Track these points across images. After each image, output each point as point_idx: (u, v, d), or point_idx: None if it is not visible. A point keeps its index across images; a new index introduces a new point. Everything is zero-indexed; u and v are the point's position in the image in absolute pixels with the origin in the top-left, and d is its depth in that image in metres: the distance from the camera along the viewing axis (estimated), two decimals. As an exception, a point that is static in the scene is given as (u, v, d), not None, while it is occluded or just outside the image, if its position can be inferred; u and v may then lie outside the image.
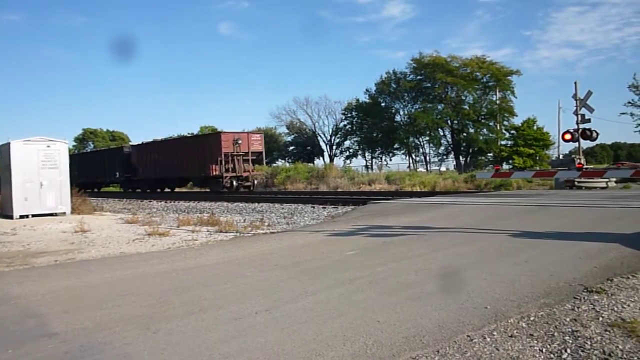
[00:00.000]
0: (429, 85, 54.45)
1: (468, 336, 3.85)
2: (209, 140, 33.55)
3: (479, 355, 3.51)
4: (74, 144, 79.88)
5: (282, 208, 18.47)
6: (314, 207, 18.24)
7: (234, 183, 31.32)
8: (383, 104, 59.35)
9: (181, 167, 34.08)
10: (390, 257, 7.11)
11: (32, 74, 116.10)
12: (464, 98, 53.64)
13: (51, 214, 15.65)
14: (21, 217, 15.17)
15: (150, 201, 27.58)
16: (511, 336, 3.82)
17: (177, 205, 23.76)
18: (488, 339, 3.77)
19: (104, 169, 42.14)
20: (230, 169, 31.24)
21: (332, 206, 17.54)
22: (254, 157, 32.85)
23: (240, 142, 31.19)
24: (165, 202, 25.99)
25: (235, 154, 31.25)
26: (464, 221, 10.85)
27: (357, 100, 61.80)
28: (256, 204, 21.04)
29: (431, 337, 3.86)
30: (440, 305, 4.63)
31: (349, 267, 6.52)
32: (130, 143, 43.20)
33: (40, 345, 4.00)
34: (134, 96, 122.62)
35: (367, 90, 60.59)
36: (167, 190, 38.95)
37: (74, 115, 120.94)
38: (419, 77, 55.38)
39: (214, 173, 31.34)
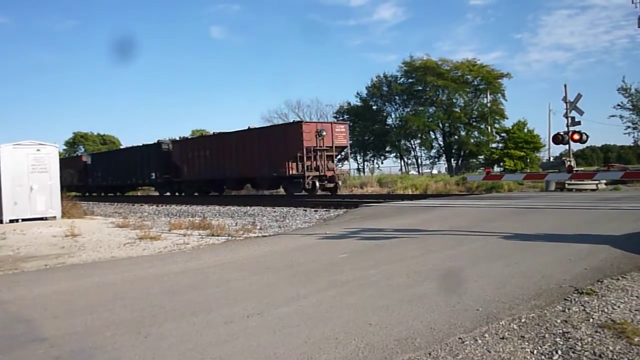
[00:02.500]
0: (420, 88, 54.64)
1: (460, 338, 3.85)
2: (285, 131, 27.10)
3: (470, 357, 3.52)
4: (65, 147, 79.43)
5: (274, 211, 18.44)
6: (305, 210, 18.21)
7: (317, 184, 25.82)
8: (374, 107, 59.44)
9: (243, 166, 28.18)
10: (382, 260, 7.12)
11: (21, 78, 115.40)
12: (455, 101, 53.84)
13: (41, 218, 15.56)
14: (11, 221, 15.05)
15: (142, 205, 27.43)
16: (502, 338, 3.84)
17: (169, 209, 23.67)
18: (480, 341, 3.78)
19: (136, 169, 36.41)
20: (312, 167, 25.54)
21: (324, 209, 17.51)
22: (336, 153, 27.55)
23: (324, 133, 25.61)
24: (157, 206, 25.87)
25: (318, 148, 25.66)
26: (455, 223, 10.88)
27: (349, 103, 61.86)
28: (248, 207, 21.00)
29: (423, 339, 3.87)
30: (432, 308, 4.64)
31: (341, 270, 6.52)
32: (167, 138, 36.62)
33: (30, 351, 3.97)
34: (125, 100, 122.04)
35: (358, 93, 60.68)
36: (213, 193, 33.01)
37: (65, 119, 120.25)
38: (410, 80, 55.58)
39: (291, 172, 25.66)
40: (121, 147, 42.83)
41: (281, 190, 29.69)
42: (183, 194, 33.55)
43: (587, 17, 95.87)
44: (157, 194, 38.82)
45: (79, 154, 46.98)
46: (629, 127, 43.13)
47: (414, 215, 13.28)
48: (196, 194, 32.52)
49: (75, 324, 4.62)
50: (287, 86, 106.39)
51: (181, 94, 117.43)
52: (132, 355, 3.79)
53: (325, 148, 25.98)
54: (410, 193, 26.40)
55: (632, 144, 53.92)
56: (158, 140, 36.34)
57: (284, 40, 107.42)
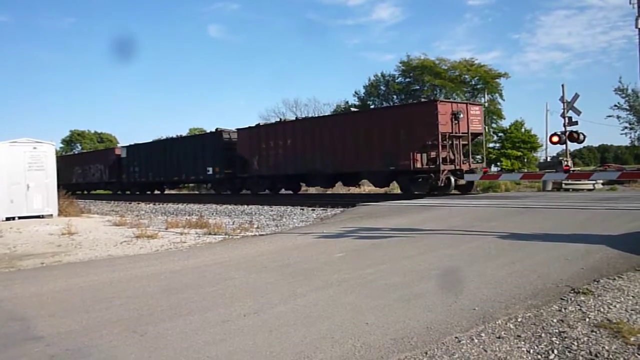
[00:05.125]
0: (417, 87, 54.62)
1: (456, 338, 3.86)
2: (411, 113, 21.49)
3: (467, 356, 3.52)
4: (61, 145, 79.26)
5: (271, 210, 18.43)
6: (303, 209, 18.22)
7: (452, 181, 20.63)
8: (372, 106, 59.49)
9: (342, 157, 22.97)
10: (379, 259, 7.12)
11: (18, 75, 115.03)
12: (452, 100, 53.89)
13: (38, 216, 15.53)
14: (7, 219, 15.02)
15: (139, 203, 27.37)
16: (499, 337, 3.84)
17: (166, 207, 23.64)
18: (476, 341, 3.79)
19: (187, 164, 31.22)
20: (447, 160, 20.50)
21: (321, 208, 17.52)
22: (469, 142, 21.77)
23: (461, 116, 20.47)
24: (154, 205, 25.83)
25: (454, 135, 20.52)
26: (452, 223, 10.89)
27: (346, 102, 61.80)
28: (245, 206, 20.98)
29: (419, 338, 3.87)
30: (428, 307, 4.64)
31: (338, 269, 6.52)
32: (228, 128, 30.70)
33: (25, 349, 3.96)
34: (122, 98, 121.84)
35: (356, 92, 60.64)
36: (285, 191, 28.26)
37: (62, 117, 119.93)
38: (407, 80, 55.59)
39: (417, 165, 20.56)
40: (167, 137, 36.18)
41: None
42: (248, 192, 28.83)
43: (584, 17, 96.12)
44: (203, 191, 35.15)
45: (111, 147, 41.45)
46: (625, 127, 43.25)
47: (411, 214, 13.28)
48: (267, 191, 27.96)
49: (71, 322, 4.61)
50: (285, 85, 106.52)
51: (179, 92, 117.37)
52: (128, 353, 3.78)
53: (461, 135, 20.80)
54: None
55: (629, 144, 54.07)
56: (217, 129, 30.65)
57: (282, 40, 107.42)
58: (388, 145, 21.15)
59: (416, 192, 20.93)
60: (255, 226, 13.19)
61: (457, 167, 20.59)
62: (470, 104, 22.37)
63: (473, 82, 52.87)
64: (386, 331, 4.05)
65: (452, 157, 20.57)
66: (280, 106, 78.91)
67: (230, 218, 16.22)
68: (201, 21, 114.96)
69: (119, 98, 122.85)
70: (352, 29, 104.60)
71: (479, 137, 23.40)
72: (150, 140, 39.50)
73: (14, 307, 5.28)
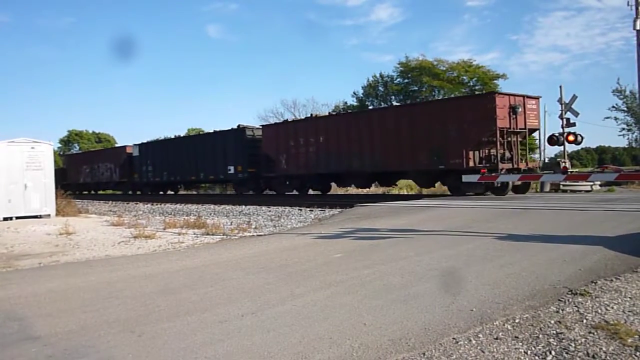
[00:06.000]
0: (415, 88, 54.67)
1: (454, 338, 3.86)
2: (465, 107, 20.01)
3: (464, 357, 3.53)
4: (59, 145, 79.16)
5: (269, 211, 18.42)
6: (301, 209, 18.20)
7: (510, 181, 19.26)
8: (371, 107, 59.52)
9: (383, 155, 21.50)
10: (376, 260, 7.12)
11: (16, 75, 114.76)
12: (451, 101, 53.94)
13: (35, 216, 15.52)
14: (5, 219, 15.00)
15: (137, 203, 27.32)
16: (496, 338, 3.84)
17: (164, 207, 23.61)
18: (473, 342, 3.79)
19: (206, 162, 29.68)
20: (505, 158, 19.13)
21: (319, 209, 17.51)
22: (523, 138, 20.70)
23: (519, 110, 19.08)
24: (152, 205, 25.79)
25: (511, 130, 19.08)
26: (450, 224, 10.89)
27: (345, 103, 61.85)
28: (243, 206, 20.97)
29: (417, 339, 3.87)
30: (426, 308, 4.65)
31: (336, 270, 6.52)
32: (251, 125, 29.15)
33: (23, 349, 3.95)
34: (120, 98, 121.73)
35: (354, 93, 60.69)
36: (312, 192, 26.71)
37: (60, 117, 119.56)
38: (406, 81, 55.64)
39: (470, 164, 18.85)
40: (181, 135, 34.11)
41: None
42: (273, 193, 27.64)
43: (583, 19, 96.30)
44: (220, 192, 33.79)
45: (123, 145, 38.91)
46: (623, 128, 43.29)
47: (409, 215, 13.29)
48: (294, 191, 26.53)
49: (68, 322, 4.60)
50: (284, 85, 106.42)
51: (177, 92, 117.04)
52: (126, 354, 3.78)
53: (518, 130, 19.34)
54: (406, 193, 26.39)
55: (626, 146, 54.15)
56: (240, 125, 29.00)
57: (281, 40, 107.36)
58: (436, 142, 19.65)
59: (468, 193, 19.60)
60: (253, 227, 13.19)
61: (515, 166, 19.18)
62: (527, 97, 20.31)
63: (471, 83, 52.94)
64: (384, 332, 4.05)
65: (510, 154, 19.25)
66: (279, 106, 78.83)
67: (228, 218, 16.21)
68: (200, 21, 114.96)
69: (118, 98, 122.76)
70: (350, 29, 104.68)
71: (535, 133, 21.39)
72: (166, 139, 38.18)
73: (11, 307, 5.27)
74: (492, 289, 5.24)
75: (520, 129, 19.34)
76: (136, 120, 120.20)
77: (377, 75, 58.46)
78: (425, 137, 20.03)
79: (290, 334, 4.07)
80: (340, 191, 29.18)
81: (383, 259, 7.23)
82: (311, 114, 28.63)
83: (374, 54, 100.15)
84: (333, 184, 27.22)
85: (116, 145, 58.45)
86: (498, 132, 18.46)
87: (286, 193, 26.62)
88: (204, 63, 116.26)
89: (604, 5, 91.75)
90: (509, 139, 19.07)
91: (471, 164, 18.80)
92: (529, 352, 3.59)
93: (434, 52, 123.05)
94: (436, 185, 22.77)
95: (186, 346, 3.87)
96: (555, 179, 18.58)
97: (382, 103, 58.10)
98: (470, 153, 18.98)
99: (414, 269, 6.42)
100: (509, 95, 19.53)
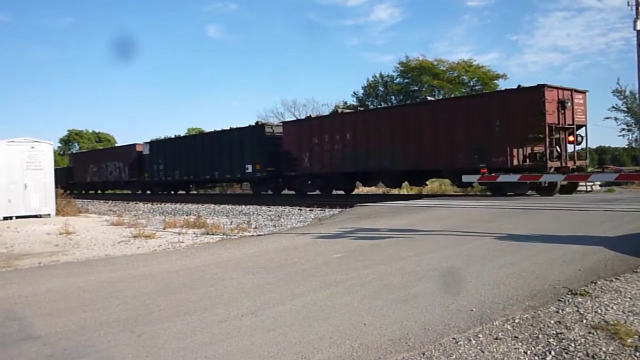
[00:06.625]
0: (416, 88, 54.70)
1: (454, 338, 3.86)
2: (510, 100, 18.64)
3: (464, 357, 3.53)
4: (59, 145, 79.20)
5: (269, 210, 18.42)
6: (301, 209, 18.21)
7: (558, 181, 17.76)
8: (371, 107, 59.54)
9: (417, 153, 20.52)
10: (376, 260, 7.12)
11: (16, 74, 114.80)
12: (451, 101, 53.93)
13: (35, 216, 15.53)
14: (5, 218, 15.02)
15: (137, 203, 27.32)
16: (496, 338, 3.85)
17: (164, 207, 23.61)
18: (473, 342, 3.79)
19: (222, 161, 28.66)
20: (554, 155, 18.05)
21: (319, 209, 17.51)
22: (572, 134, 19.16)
23: (568, 104, 18.01)
24: (152, 204, 25.78)
25: (559, 126, 18.03)
26: (450, 224, 10.90)
27: (345, 102, 61.87)
28: (243, 206, 20.97)
29: (417, 339, 3.87)
30: (426, 308, 4.65)
31: (336, 270, 6.52)
32: (270, 122, 28.34)
33: (23, 349, 3.95)
34: (120, 98, 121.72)
35: (354, 93, 60.77)
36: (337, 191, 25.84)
37: (60, 117, 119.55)
38: (406, 81, 55.66)
39: (514, 162, 17.94)
40: (192, 133, 33.71)
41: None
42: (293, 192, 26.72)
43: (583, 19, 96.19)
44: (238, 191, 32.74)
45: (132, 143, 37.89)
46: (623, 129, 43.15)
47: (409, 215, 13.29)
48: (317, 191, 25.56)
49: (68, 322, 4.60)
50: (284, 85, 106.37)
51: (177, 92, 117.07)
52: (126, 353, 3.78)
53: (567, 127, 18.26)
54: (406, 193, 26.39)
55: (626, 146, 54.06)
56: (258, 122, 28.40)
57: (281, 40, 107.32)
58: (477, 138, 18.63)
59: (509, 194, 18.61)
60: (253, 226, 13.19)
61: (563, 165, 18.11)
62: (575, 91, 19.03)
63: (471, 83, 52.99)
64: (384, 332, 4.05)
65: (558, 152, 18.16)
66: (279, 106, 78.85)
67: (228, 218, 16.21)
68: (200, 21, 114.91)
69: (117, 98, 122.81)
70: (351, 29, 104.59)
71: (581, 130, 19.80)
72: (179, 136, 37.32)
73: (11, 307, 5.27)
74: (492, 289, 5.24)
75: (568, 124, 18.33)
76: (136, 120, 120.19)
77: (377, 75, 58.50)
78: (464, 134, 19.04)
79: (290, 334, 4.07)
80: (365, 191, 27.97)
81: (383, 258, 7.23)
82: (336, 109, 27.85)
83: (374, 54, 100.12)
84: (360, 184, 26.46)
85: (120, 143, 58.19)
86: (547, 128, 17.47)
87: (307, 193, 25.82)
88: (203, 63, 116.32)
89: (604, 6, 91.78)
90: (557, 135, 18.07)
91: (515, 162, 17.89)
92: (528, 352, 3.59)
93: (434, 52, 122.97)
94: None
95: (186, 346, 3.87)
96: (555, 179, 18.28)
97: (382, 103, 58.15)
98: (514, 151, 17.97)
99: (414, 269, 6.42)
100: (558, 88, 18.32)
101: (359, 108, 50.25)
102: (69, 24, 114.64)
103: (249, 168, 27.04)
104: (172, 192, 35.16)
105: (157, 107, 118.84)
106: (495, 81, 52.52)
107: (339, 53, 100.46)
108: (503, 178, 16.24)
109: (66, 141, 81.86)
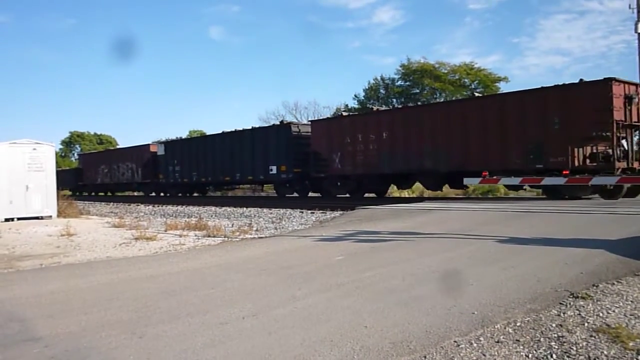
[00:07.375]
0: (417, 91, 54.73)
1: (455, 342, 3.86)
2: (572, 94, 16.81)
3: (465, 360, 3.52)
4: (61, 147, 79.32)
5: (271, 213, 18.41)
6: (302, 212, 18.19)
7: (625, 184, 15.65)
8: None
9: (462, 153, 19.07)
10: (378, 263, 7.12)
11: (18, 76, 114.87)
12: (452, 104, 53.93)
13: (37, 217, 15.54)
14: (6, 220, 15.04)
15: (138, 205, 27.32)
16: (498, 342, 3.84)
17: (165, 209, 23.63)
18: (475, 345, 3.79)
19: (243, 162, 27.23)
20: (621, 155, 16.48)
21: (321, 211, 17.49)
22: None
23: (635, 99, 16.53)
24: (153, 206, 25.79)
25: (627, 124, 16.54)
26: (451, 227, 10.88)
27: (346, 105, 61.89)
28: (244, 208, 20.96)
29: (418, 342, 3.87)
30: (427, 311, 4.64)
31: (337, 272, 6.52)
32: (296, 121, 26.52)
33: (24, 350, 3.96)
34: (122, 99, 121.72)
35: (355, 95, 60.80)
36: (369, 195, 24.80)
37: (61, 119, 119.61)
38: (407, 83, 55.70)
39: (575, 162, 16.51)
40: (214, 132, 31.47)
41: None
42: (321, 195, 25.48)
43: (584, 22, 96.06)
44: (263, 193, 31.59)
45: (146, 144, 36.69)
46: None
47: (410, 218, 13.28)
48: (347, 194, 24.48)
49: (70, 323, 4.60)
50: (285, 87, 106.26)
51: (179, 94, 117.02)
52: (127, 355, 3.78)
53: (633, 124, 16.65)
54: (407, 196, 26.38)
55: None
56: (283, 121, 27.33)
57: (283, 42, 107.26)
58: (532, 137, 17.14)
59: (567, 196, 17.10)
60: (254, 229, 13.20)
61: (629, 166, 16.45)
62: None
63: (473, 86, 53.01)
64: (385, 334, 4.05)
65: (624, 151, 16.55)
66: (281, 109, 79.05)
67: (229, 220, 16.22)
68: (202, 23, 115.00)
69: (119, 99, 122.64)
70: (352, 32, 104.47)
71: None
72: (195, 136, 36.45)
73: (12, 308, 5.27)
74: (493, 292, 5.23)
75: (634, 122, 16.65)
76: (138, 122, 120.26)
77: (379, 77, 58.57)
78: (518, 132, 17.57)
79: (291, 336, 4.07)
80: (405, 194, 27.06)
81: (384, 261, 7.22)
82: (372, 107, 26.28)
83: (376, 57, 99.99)
84: (395, 186, 25.19)
85: (121, 145, 57.99)
86: (615, 124, 15.89)
87: (337, 195, 24.85)
88: (205, 65, 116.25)
89: (606, 8, 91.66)
90: (623, 133, 16.51)
91: (576, 162, 16.46)
92: (530, 355, 3.59)
93: (435, 54, 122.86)
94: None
95: (187, 348, 3.87)
96: (556, 182, 18.12)
97: (384, 105, 58.16)
98: (576, 150, 16.50)
99: (415, 271, 6.42)
100: (624, 82, 16.68)
101: (356, 111, 50.26)
102: (71, 26, 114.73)
103: (273, 169, 25.74)
104: (188, 195, 33.97)
105: (158, 109, 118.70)
106: (497, 84, 52.56)
107: (341, 55, 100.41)
108: (504, 181, 15.98)
109: (68, 143, 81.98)
